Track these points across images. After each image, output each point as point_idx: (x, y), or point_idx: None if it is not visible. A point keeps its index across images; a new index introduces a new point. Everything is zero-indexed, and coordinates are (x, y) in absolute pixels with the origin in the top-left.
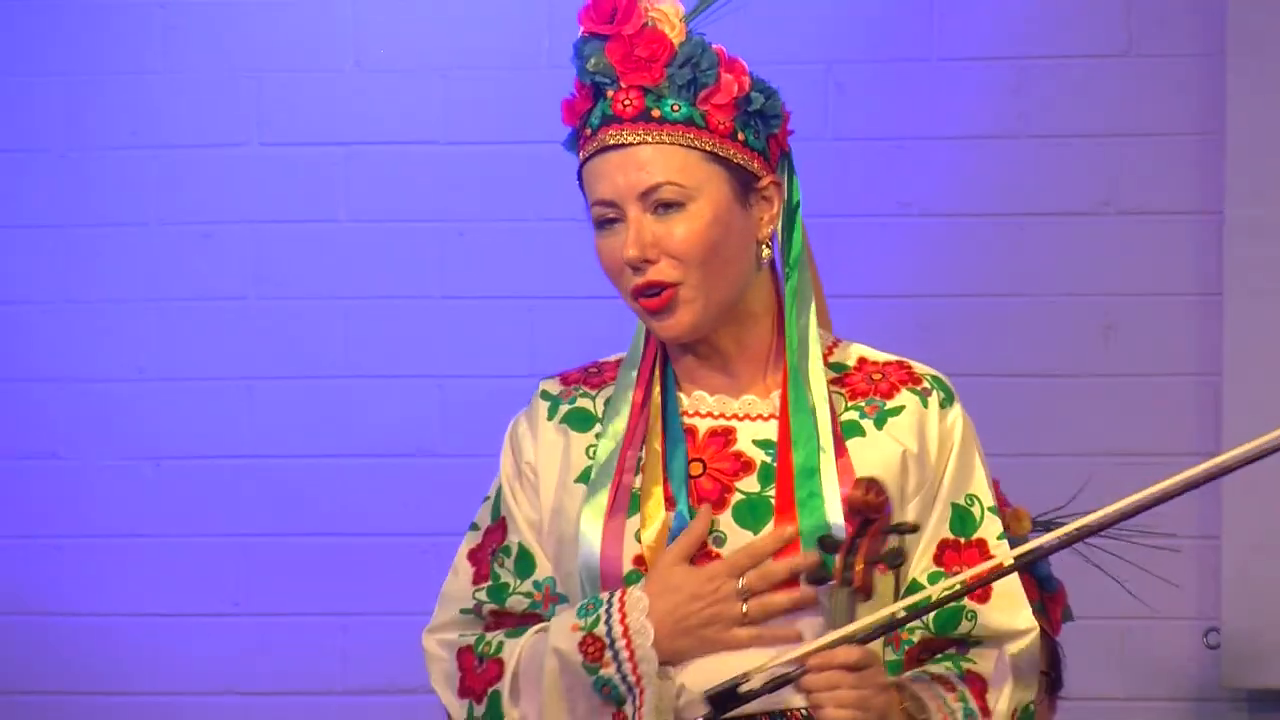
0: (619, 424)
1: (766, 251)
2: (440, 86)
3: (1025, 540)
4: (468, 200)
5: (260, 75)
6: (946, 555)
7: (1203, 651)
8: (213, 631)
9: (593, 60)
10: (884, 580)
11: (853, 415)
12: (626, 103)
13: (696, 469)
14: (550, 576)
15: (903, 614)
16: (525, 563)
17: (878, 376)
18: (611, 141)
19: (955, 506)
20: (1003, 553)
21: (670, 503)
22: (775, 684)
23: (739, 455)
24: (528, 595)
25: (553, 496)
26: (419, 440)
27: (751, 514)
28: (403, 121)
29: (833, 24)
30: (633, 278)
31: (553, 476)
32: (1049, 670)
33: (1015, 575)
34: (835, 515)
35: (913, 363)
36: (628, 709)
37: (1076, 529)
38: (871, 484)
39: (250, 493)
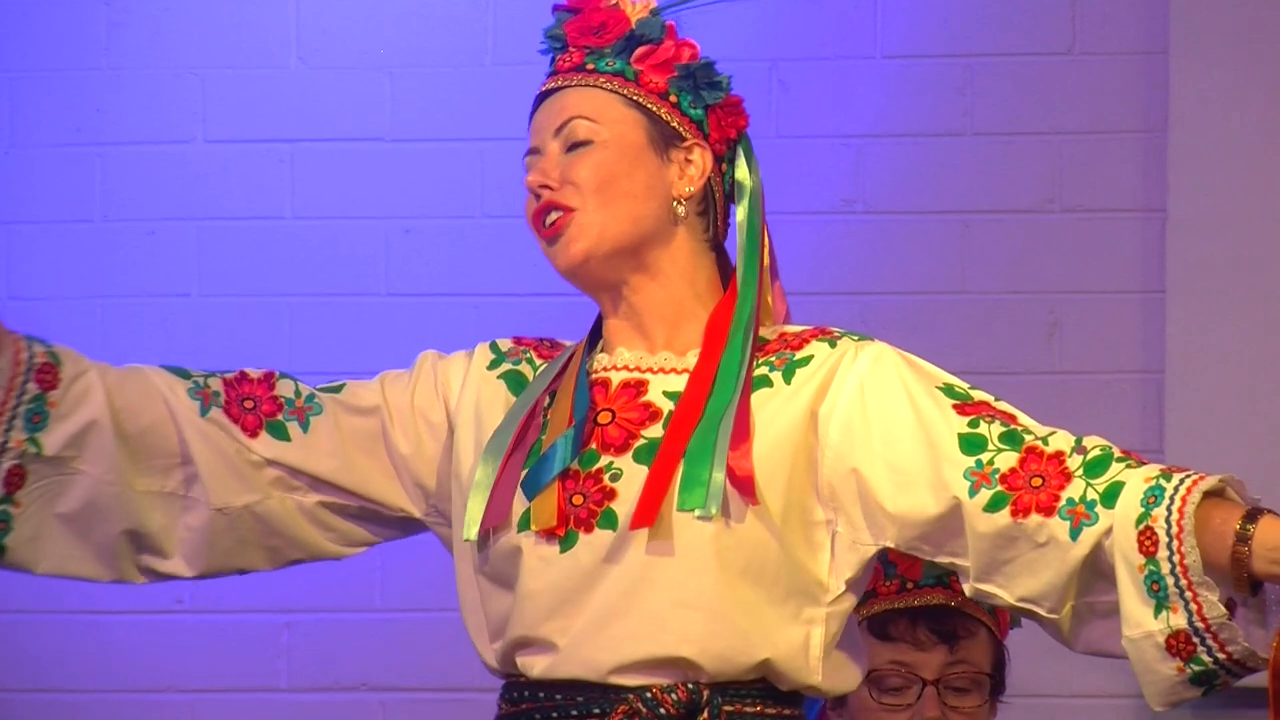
0: (539, 384)
1: (680, 209)
2: (385, 84)
3: None
4: (413, 197)
5: (204, 72)
6: (967, 409)
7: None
8: (156, 628)
9: (552, 29)
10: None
11: (763, 370)
12: (568, 59)
13: (606, 418)
14: (313, 398)
15: None
16: (336, 389)
17: (792, 338)
18: (544, 89)
19: (939, 389)
20: (1008, 407)
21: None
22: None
23: (648, 405)
24: (296, 395)
25: (467, 432)
26: None
27: (649, 454)
28: (347, 118)
29: (776, 22)
30: (533, 205)
31: (469, 417)
32: (994, 673)
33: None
34: (719, 468)
35: (831, 327)
36: None
37: None
38: None
39: None
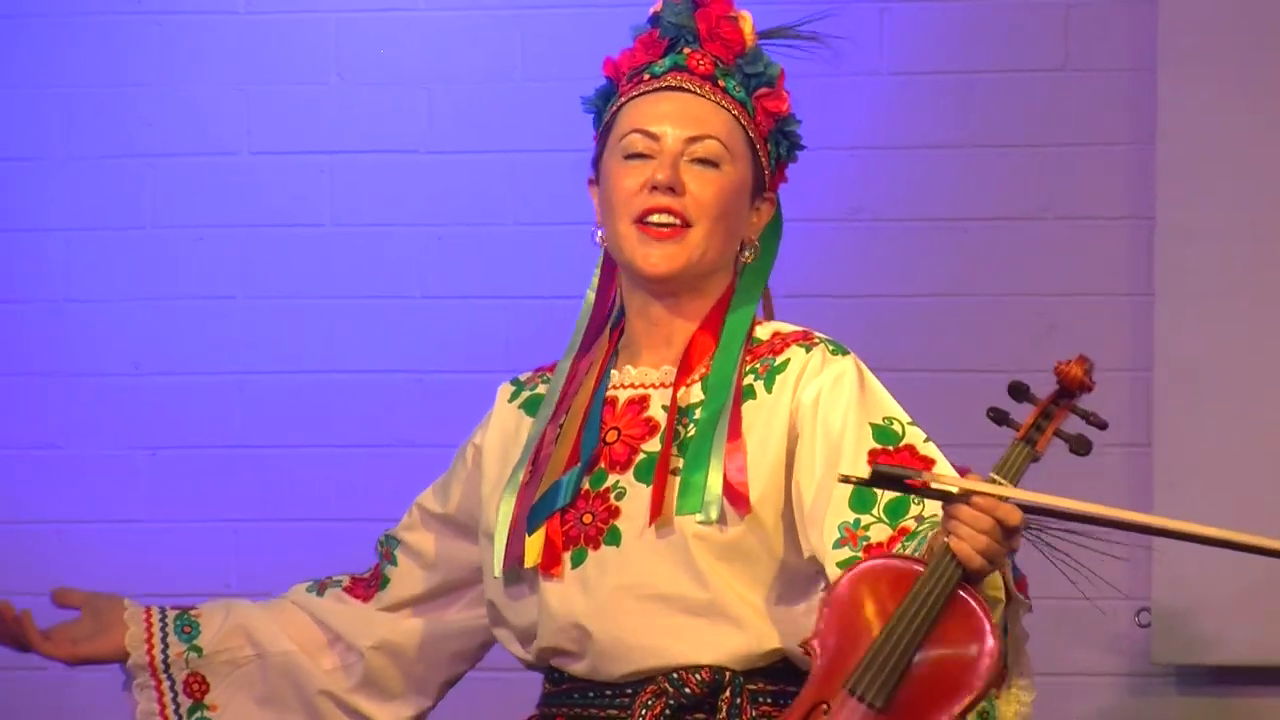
0: (546, 411)
1: (748, 253)
2: (420, 99)
3: None
4: (446, 206)
5: (249, 88)
6: (880, 459)
7: (1134, 630)
8: None
9: (679, 16)
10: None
11: (749, 379)
12: (701, 61)
13: (612, 436)
14: (403, 541)
15: (1059, 509)
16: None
17: (779, 342)
18: (677, 84)
19: (874, 425)
20: (931, 451)
21: (574, 463)
22: (933, 493)
23: (649, 420)
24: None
25: (494, 470)
26: (400, 431)
27: (649, 469)
28: (384, 132)
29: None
30: (649, 199)
31: (495, 450)
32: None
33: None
34: (715, 473)
35: (817, 333)
36: None
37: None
38: (1086, 361)
39: (240, 480)
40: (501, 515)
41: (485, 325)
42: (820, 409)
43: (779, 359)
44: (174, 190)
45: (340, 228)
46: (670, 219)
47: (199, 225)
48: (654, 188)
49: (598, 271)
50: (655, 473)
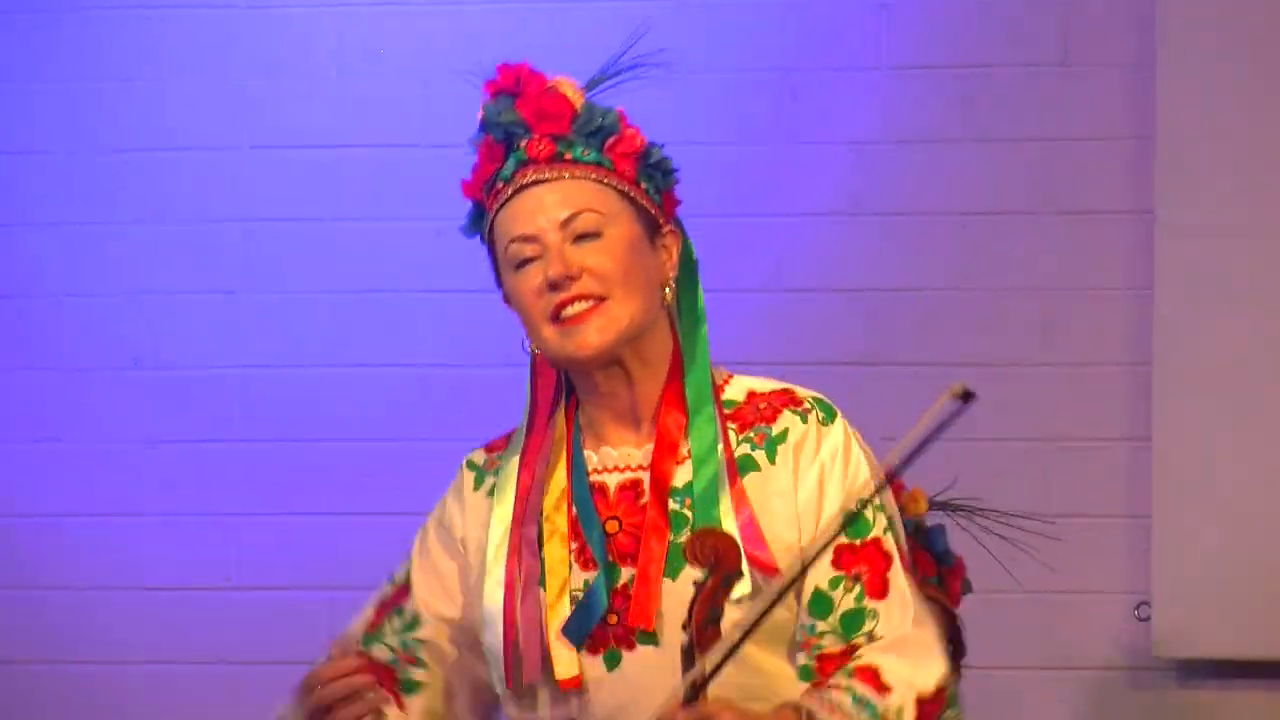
0: (505, 510)
1: (669, 293)
2: (419, 94)
3: (922, 521)
4: (446, 200)
5: (249, 83)
6: (844, 558)
7: (1134, 624)
8: (205, 604)
9: (504, 114)
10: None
11: (745, 449)
12: (540, 147)
13: (614, 527)
14: (420, 641)
15: (738, 636)
16: (410, 623)
17: (763, 406)
18: (528, 180)
19: (846, 513)
20: (890, 545)
21: (589, 563)
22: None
23: (647, 508)
24: (391, 649)
25: (479, 563)
26: (401, 425)
27: (672, 558)
28: (383, 126)
29: (789, 34)
30: (554, 297)
31: (477, 545)
32: (950, 640)
33: (902, 569)
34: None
35: (796, 389)
36: None
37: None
38: (701, 539)
39: (239, 475)
40: (492, 617)
41: (485, 319)
42: (823, 486)
43: (775, 428)
44: (173, 185)
45: (340, 222)
46: (584, 304)
47: (198, 220)
48: (553, 286)
49: (529, 381)
50: (643, 561)
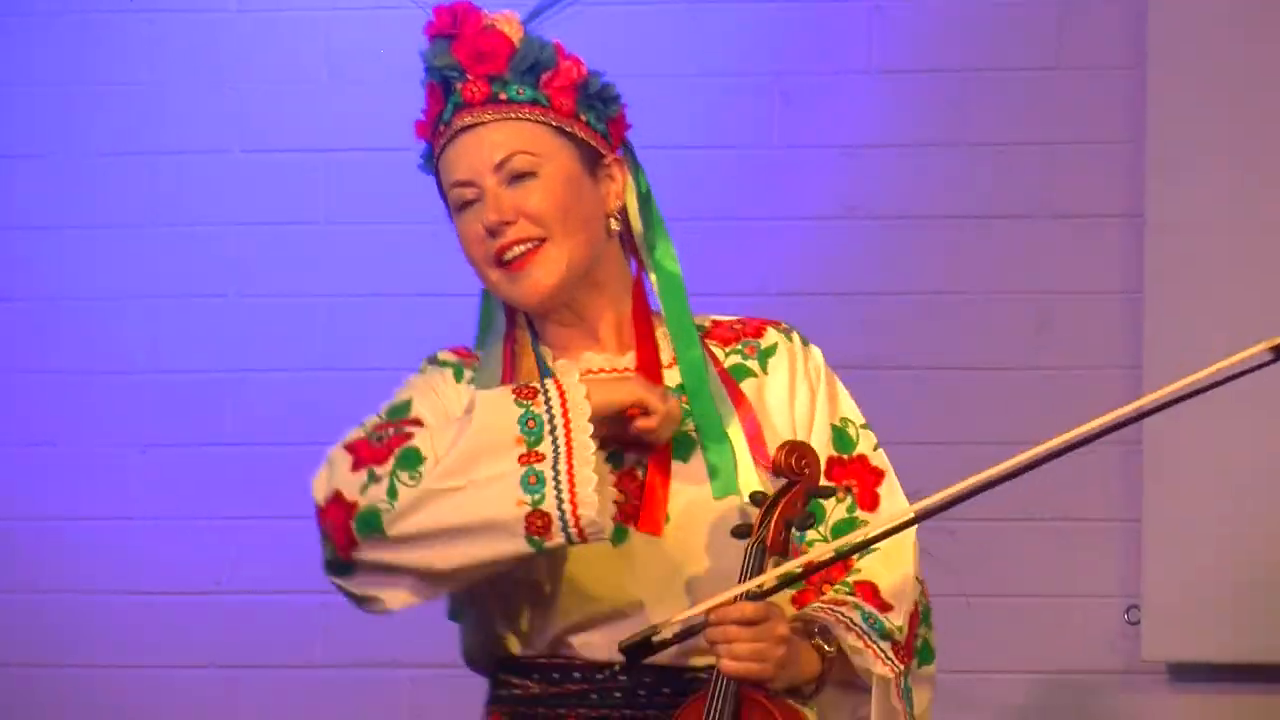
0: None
1: (615, 224)
2: (410, 97)
3: None
4: (439, 203)
5: (241, 87)
6: (835, 471)
7: (1124, 627)
8: (197, 608)
9: (440, 58)
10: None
11: (736, 359)
12: (475, 89)
13: None
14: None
15: (799, 570)
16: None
17: (739, 326)
18: (463, 124)
19: (834, 428)
20: (881, 461)
21: None
22: (684, 634)
23: None
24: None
25: None
26: None
27: (680, 449)
28: (376, 128)
29: (779, 38)
30: (493, 243)
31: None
32: None
33: (896, 485)
34: (748, 476)
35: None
36: (544, 444)
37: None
38: (795, 449)
39: (232, 478)
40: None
41: (474, 319)
42: (815, 398)
43: (763, 342)
44: (167, 188)
45: (333, 225)
46: (522, 247)
47: (192, 223)
48: (490, 232)
49: (495, 303)
50: (654, 465)
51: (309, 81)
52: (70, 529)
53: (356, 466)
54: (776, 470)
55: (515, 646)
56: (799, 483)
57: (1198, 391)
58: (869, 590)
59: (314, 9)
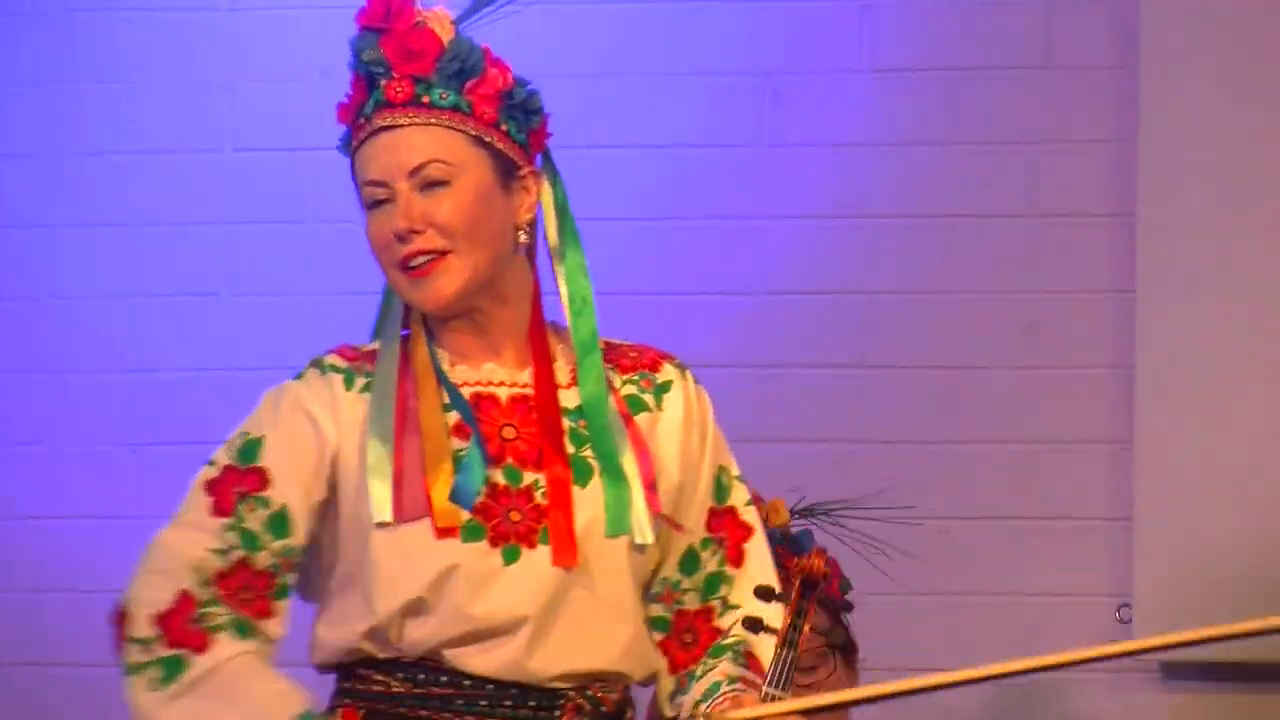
0: (388, 421)
1: (524, 237)
2: None
3: (787, 529)
4: None
5: (232, 86)
6: (713, 523)
7: (1115, 626)
8: None
9: (367, 52)
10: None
11: (632, 389)
12: (398, 89)
13: (511, 433)
14: (300, 547)
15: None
16: (281, 526)
17: (635, 355)
18: (383, 124)
19: (714, 476)
20: (751, 518)
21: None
22: None
23: (544, 438)
24: (275, 556)
25: (356, 477)
26: None
27: (578, 474)
28: None
29: (770, 37)
30: (400, 249)
31: (354, 458)
32: (835, 642)
33: (764, 545)
34: (639, 495)
35: (657, 347)
36: None
37: None
38: (824, 554)
39: None
40: (374, 460)
41: None
42: (706, 441)
43: (660, 377)
44: (158, 187)
45: (323, 224)
46: (426, 256)
47: (183, 222)
48: (399, 238)
49: (391, 301)
50: (554, 495)
51: (300, 80)
52: (57, 529)
53: (162, 622)
54: (808, 575)
55: (383, 651)
56: (818, 587)
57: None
58: (756, 666)
59: (306, 7)
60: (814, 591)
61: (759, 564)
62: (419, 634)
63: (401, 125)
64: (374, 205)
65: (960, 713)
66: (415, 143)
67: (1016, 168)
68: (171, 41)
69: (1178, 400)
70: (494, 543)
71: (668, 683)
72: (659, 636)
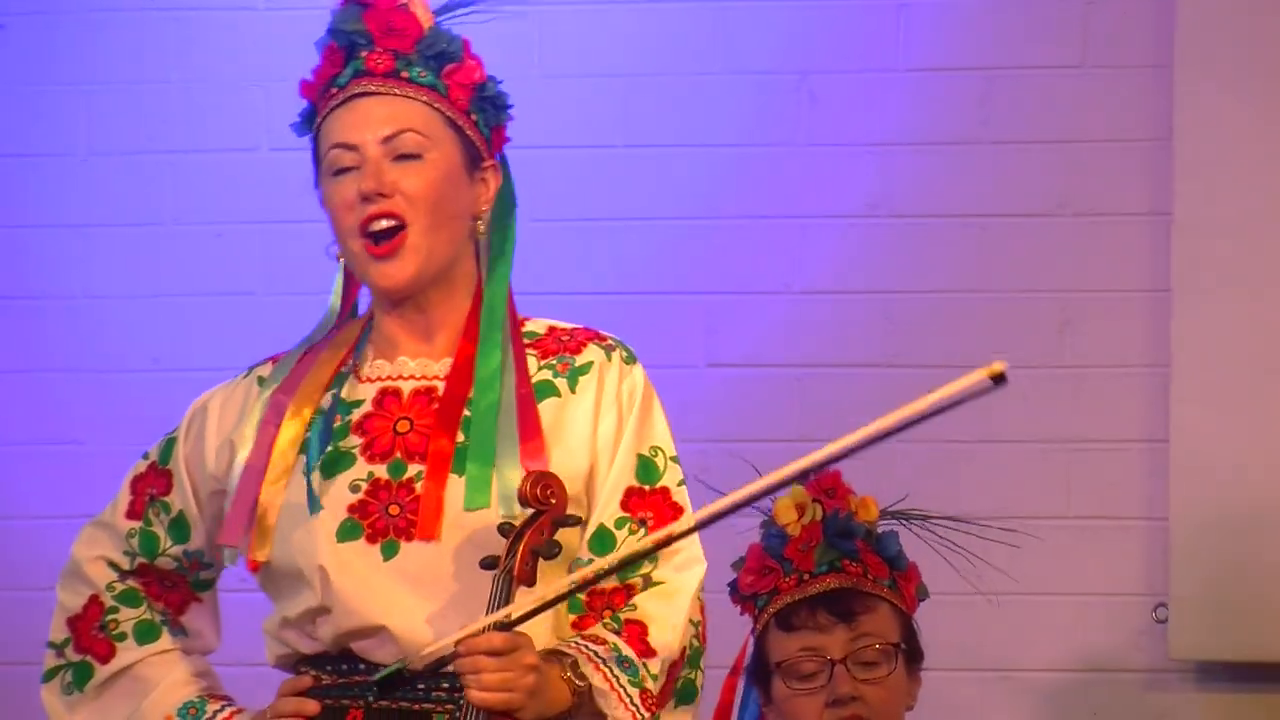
0: (266, 394)
1: (482, 227)
2: None
3: (873, 527)
4: None
5: (269, 84)
6: (632, 501)
7: (1152, 626)
8: (223, 603)
9: (350, 23)
10: (554, 567)
11: (545, 375)
12: (379, 61)
13: (405, 426)
14: (199, 549)
15: (553, 597)
16: (181, 530)
17: (566, 338)
18: (360, 90)
19: (640, 456)
20: (683, 499)
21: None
22: (434, 666)
23: (438, 412)
24: (176, 560)
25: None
26: None
27: (459, 463)
28: None
29: (807, 37)
30: (364, 209)
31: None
32: (902, 643)
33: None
34: (510, 468)
35: (600, 330)
36: None
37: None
38: (541, 479)
39: None
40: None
41: None
42: (622, 424)
43: (579, 359)
44: (194, 186)
45: None
46: (389, 222)
47: (219, 221)
48: (365, 198)
49: (339, 279)
50: (430, 469)
51: None
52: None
53: (72, 627)
54: (522, 500)
55: (310, 647)
56: (545, 512)
57: (912, 424)
58: (637, 632)
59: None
60: (535, 518)
61: (688, 545)
62: (324, 632)
63: (379, 93)
64: (339, 172)
65: (997, 709)
66: (394, 111)
67: (1052, 167)
68: (207, 40)
69: (1214, 399)
70: (371, 539)
71: None
72: (573, 617)
